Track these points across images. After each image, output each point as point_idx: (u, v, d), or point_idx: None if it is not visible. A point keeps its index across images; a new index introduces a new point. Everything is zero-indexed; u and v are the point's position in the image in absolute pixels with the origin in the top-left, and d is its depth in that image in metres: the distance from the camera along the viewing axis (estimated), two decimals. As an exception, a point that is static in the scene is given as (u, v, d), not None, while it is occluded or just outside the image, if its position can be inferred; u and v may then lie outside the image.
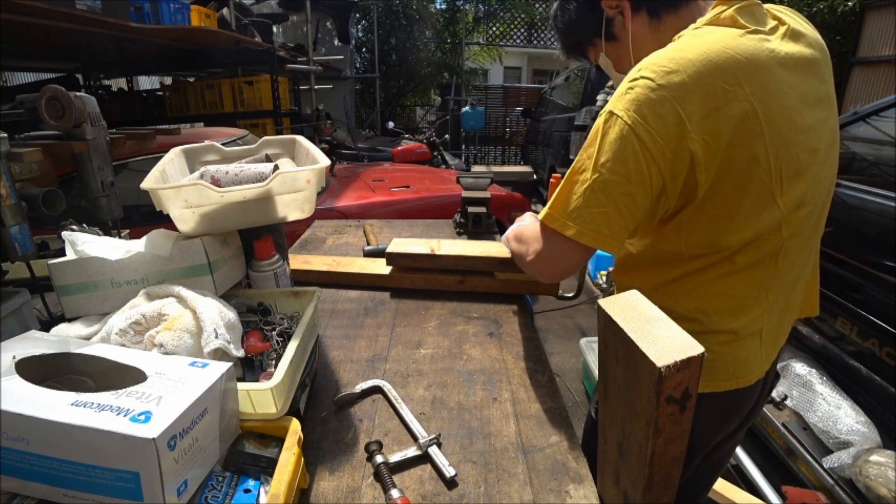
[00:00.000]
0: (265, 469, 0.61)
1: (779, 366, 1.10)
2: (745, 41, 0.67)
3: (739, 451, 1.64)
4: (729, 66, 0.64)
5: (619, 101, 0.67)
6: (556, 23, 0.93)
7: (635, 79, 0.67)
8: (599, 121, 0.70)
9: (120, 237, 1.13)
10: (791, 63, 0.70)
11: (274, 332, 0.81)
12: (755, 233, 0.71)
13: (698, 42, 0.67)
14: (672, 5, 0.78)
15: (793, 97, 0.69)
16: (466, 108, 8.16)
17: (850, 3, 6.13)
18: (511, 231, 1.06)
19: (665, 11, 0.78)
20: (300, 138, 1.11)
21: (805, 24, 0.77)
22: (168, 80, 5.40)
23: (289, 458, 0.59)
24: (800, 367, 1.71)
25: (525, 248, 0.86)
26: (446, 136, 7.23)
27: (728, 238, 0.71)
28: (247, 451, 0.62)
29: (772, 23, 0.73)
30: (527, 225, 0.97)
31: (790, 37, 0.72)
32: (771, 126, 0.66)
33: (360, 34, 10.02)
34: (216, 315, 0.70)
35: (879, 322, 1.48)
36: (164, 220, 0.80)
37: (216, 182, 0.85)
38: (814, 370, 1.68)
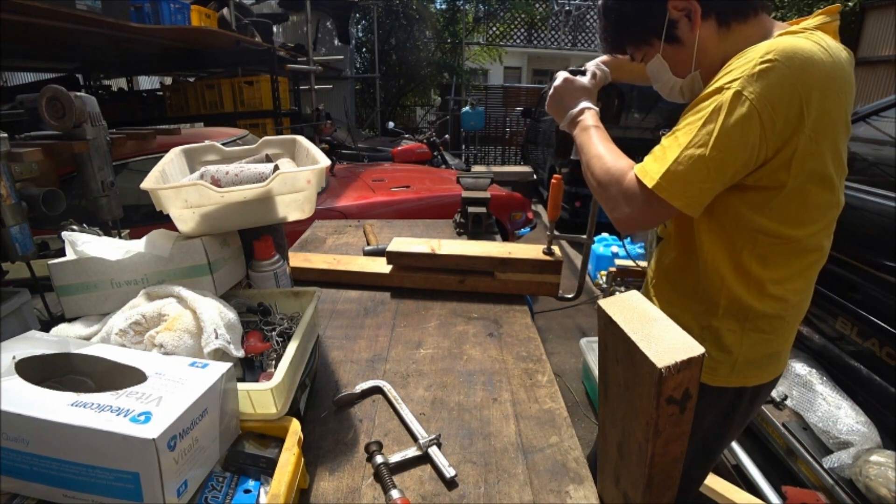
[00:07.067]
0: (265, 469, 0.61)
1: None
2: (846, 55, 0.74)
3: (739, 451, 1.64)
4: (844, 74, 0.71)
5: (751, 82, 0.68)
6: (609, 17, 0.87)
7: (771, 60, 0.67)
8: (725, 98, 0.69)
9: (120, 237, 1.13)
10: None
11: (274, 333, 0.80)
12: (822, 226, 0.79)
13: (825, 44, 0.70)
14: (742, 15, 0.78)
15: (851, 111, 0.76)
16: (466, 108, 8.15)
17: (850, 3, 6.14)
18: (595, 160, 0.86)
19: (735, 21, 0.78)
20: (300, 138, 1.11)
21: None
22: (168, 80, 5.41)
23: (289, 458, 0.59)
24: (800, 367, 1.71)
25: (613, 201, 0.80)
26: (446, 136, 7.21)
27: (799, 230, 0.77)
28: (247, 452, 0.62)
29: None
30: (618, 171, 0.81)
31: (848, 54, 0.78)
32: (847, 134, 0.75)
33: (360, 34, 10.02)
34: (216, 315, 0.70)
35: (879, 322, 1.48)
36: (164, 220, 0.80)
37: (216, 182, 0.85)
38: (814, 370, 1.68)
